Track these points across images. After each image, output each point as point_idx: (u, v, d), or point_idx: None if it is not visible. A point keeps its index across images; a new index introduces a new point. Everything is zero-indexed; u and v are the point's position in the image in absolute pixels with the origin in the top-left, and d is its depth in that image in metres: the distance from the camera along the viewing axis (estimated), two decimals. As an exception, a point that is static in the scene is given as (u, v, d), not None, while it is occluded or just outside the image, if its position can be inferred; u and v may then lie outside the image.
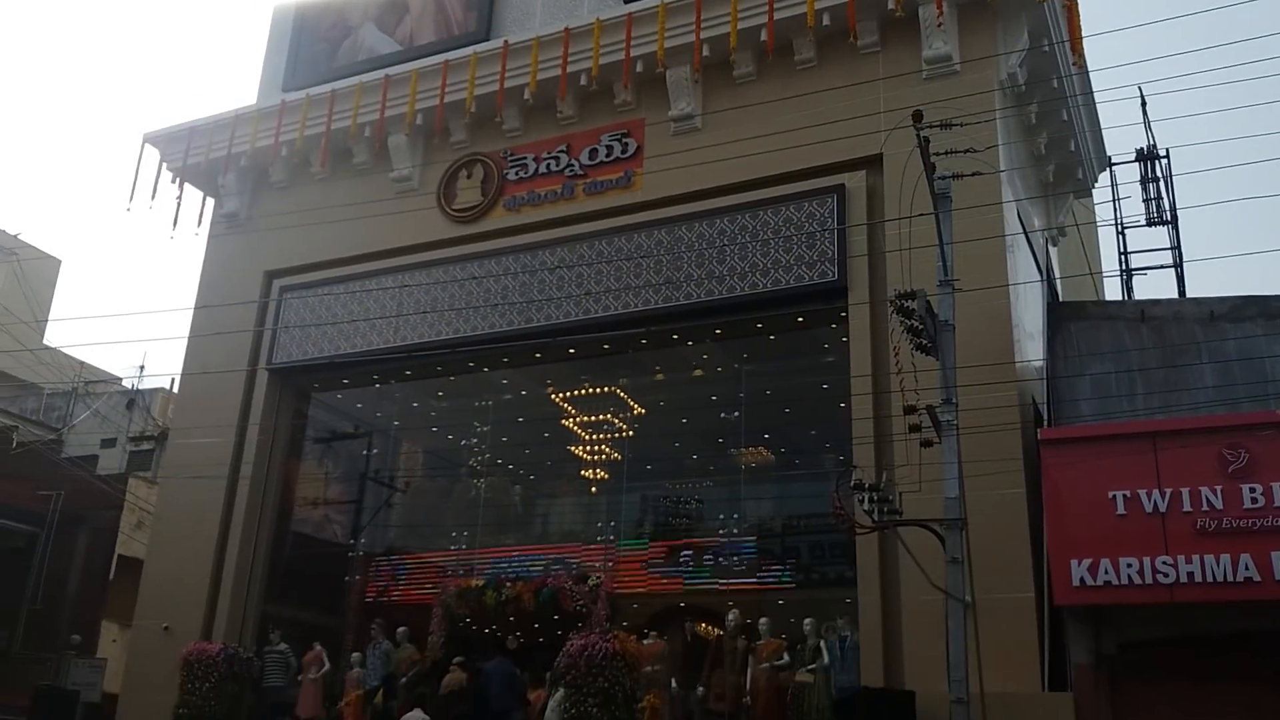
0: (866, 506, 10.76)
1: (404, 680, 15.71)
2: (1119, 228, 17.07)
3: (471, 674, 15.01)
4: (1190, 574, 10.73)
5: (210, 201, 20.13)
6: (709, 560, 16.32)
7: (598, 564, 16.63)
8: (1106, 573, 11.03)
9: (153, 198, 19.52)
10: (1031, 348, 14.00)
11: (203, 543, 17.45)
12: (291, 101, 19.05)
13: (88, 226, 71.75)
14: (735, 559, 16.18)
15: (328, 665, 16.55)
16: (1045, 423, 13.31)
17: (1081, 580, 11.13)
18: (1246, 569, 10.56)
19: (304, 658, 16.62)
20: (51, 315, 30.40)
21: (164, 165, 19.88)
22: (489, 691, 14.63)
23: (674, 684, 14.90)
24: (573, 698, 12.62)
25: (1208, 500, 10.92)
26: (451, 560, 18.43)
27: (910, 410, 10.67)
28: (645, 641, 14.54)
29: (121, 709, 17.29)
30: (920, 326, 10.79)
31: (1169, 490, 11.09)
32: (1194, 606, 10.91)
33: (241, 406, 18.32)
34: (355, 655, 16.77)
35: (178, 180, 19.86)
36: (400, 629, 16.59)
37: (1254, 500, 10.78)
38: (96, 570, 23.68)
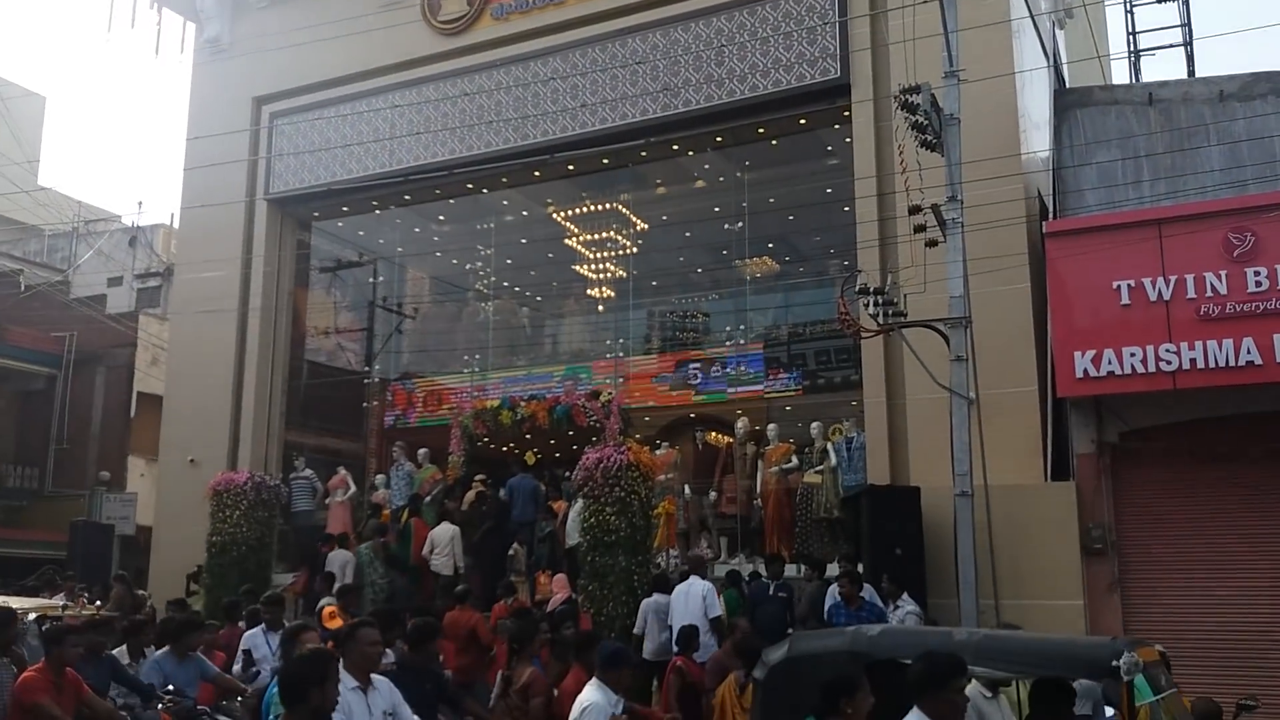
0: (871, 310, 10.73)
1: (428, 499, 16.19)
2: (1128, 5, 16.34)
3: (492, 491, 15.44)
4: (1193, 360, 10.76)
5: (191, 27, 19.46)
6: (716, 371, 16.54)
7: (608, 380, 16.88)
8: (1110, 363, 11.07)
9: (132, 25, 18.94)
10: (1038, 138, 13.64)
11: (220, 375, 17.64)
12: (264, -95, 18.08)
13: (68, 62, 69.74)
14: (743, 368, 16.40)
15: (353, 488, 16.99)
16: (1051, 215, 13.12)
17: (1085, 372, 11.20)
18: (1249, 353, 10.57)
19: (329, 482, 17.08)
20: (42, 155, 29.87)
21: (139, -13, 19.08)
22: (514, 504, 15.13)
23: (687, 490, 15.34)
24: (591, 508, 12.95)
25: (1211, 286, 10.84)
26: (465, 383, 18.72)
27: (915, 210, 10.52)
28: (658, 452, 14.86)
29: (156, 540, 17.84)
30: (925, 122, 10.52)
31: (1173, 278, 11.00)
32: (1195, 392, 10.98)
33: (244, 239, 18.16)
34: (379, 477, 17.26)
35: (156, 4, 19.15)
36: (421, 450, 16.95)
37: (1258, 284, 10.69)
38: (117, 408, 24.09)
